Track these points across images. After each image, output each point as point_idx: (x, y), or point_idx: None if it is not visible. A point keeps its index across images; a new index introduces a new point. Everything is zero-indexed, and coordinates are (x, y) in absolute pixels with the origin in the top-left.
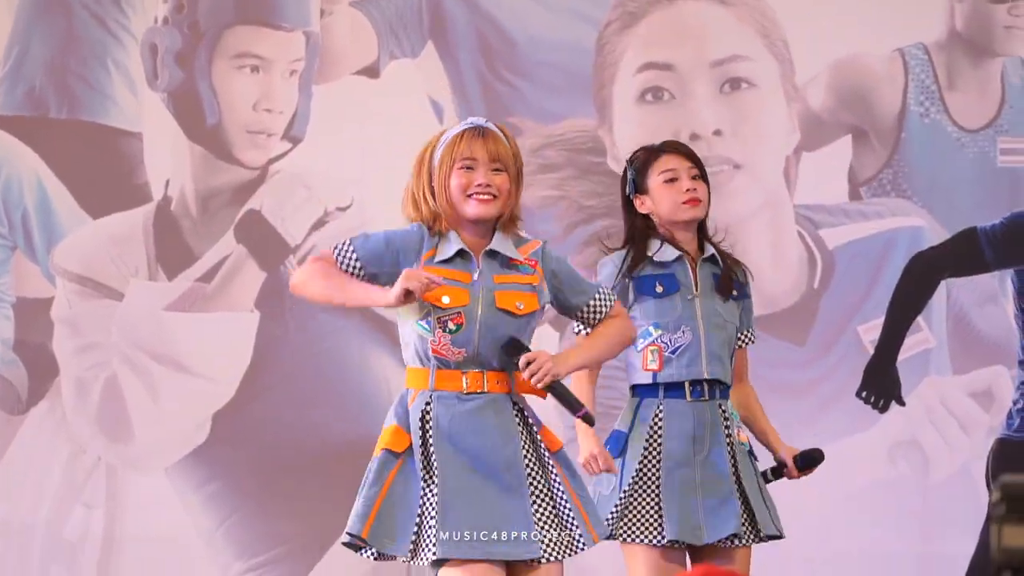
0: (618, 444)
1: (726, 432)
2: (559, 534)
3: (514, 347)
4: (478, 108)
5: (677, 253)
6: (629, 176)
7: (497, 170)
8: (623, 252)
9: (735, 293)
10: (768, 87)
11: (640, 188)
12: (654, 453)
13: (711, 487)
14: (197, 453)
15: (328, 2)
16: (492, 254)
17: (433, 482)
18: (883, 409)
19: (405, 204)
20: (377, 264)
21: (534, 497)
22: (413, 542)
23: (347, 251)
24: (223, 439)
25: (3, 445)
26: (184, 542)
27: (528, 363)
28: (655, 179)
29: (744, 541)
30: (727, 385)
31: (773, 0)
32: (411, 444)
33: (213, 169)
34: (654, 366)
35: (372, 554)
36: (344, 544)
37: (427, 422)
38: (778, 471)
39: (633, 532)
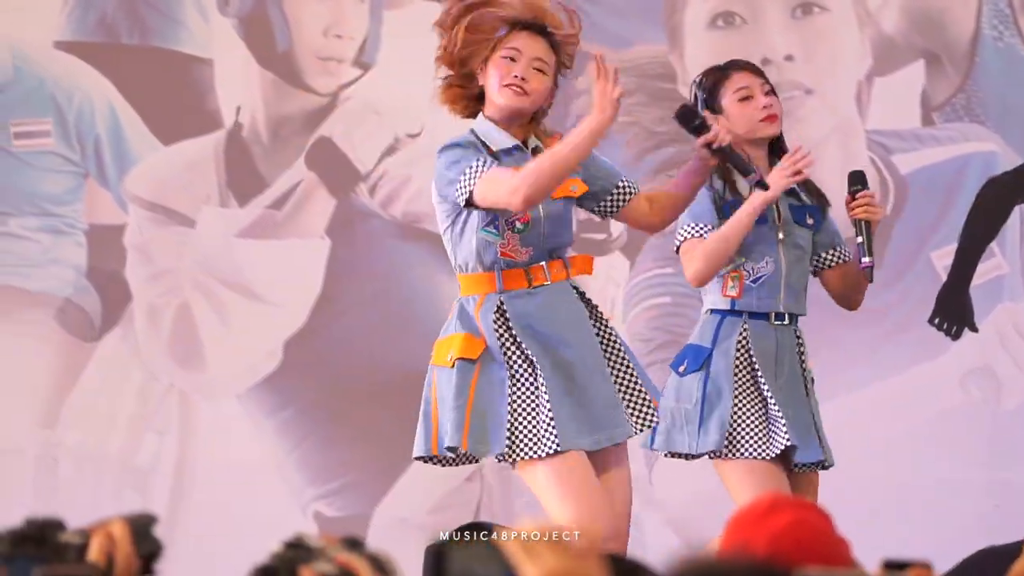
0: (698, 359)
1: (801, 360)
2: (635, 408)
3: (689, 113)
4: None
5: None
6: (700, 97)
7: (538, 69)
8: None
9: (811, 222)
10: (840, 11)
11: (713, 108)
12: (745, 369)
13: (794, 411)
14: (268, 380)
15: None
16: (537, 150)
17: (526, 380)
18: (956, 336)
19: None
20: None
21: (612, 373)
22: (509, 442)
23: (478, 167)
24: (294, 366)
25: (76, 372)
26: (256, 469)
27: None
28: (729, 98)
29: (826, 465)
30: (801, 314)
31: None
32: (485, 349)
33: (284, 95)
34: (734, 292)
35: (449, 460)
36: (419, 458)
37: (505, 322)
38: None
39: (742, 447)
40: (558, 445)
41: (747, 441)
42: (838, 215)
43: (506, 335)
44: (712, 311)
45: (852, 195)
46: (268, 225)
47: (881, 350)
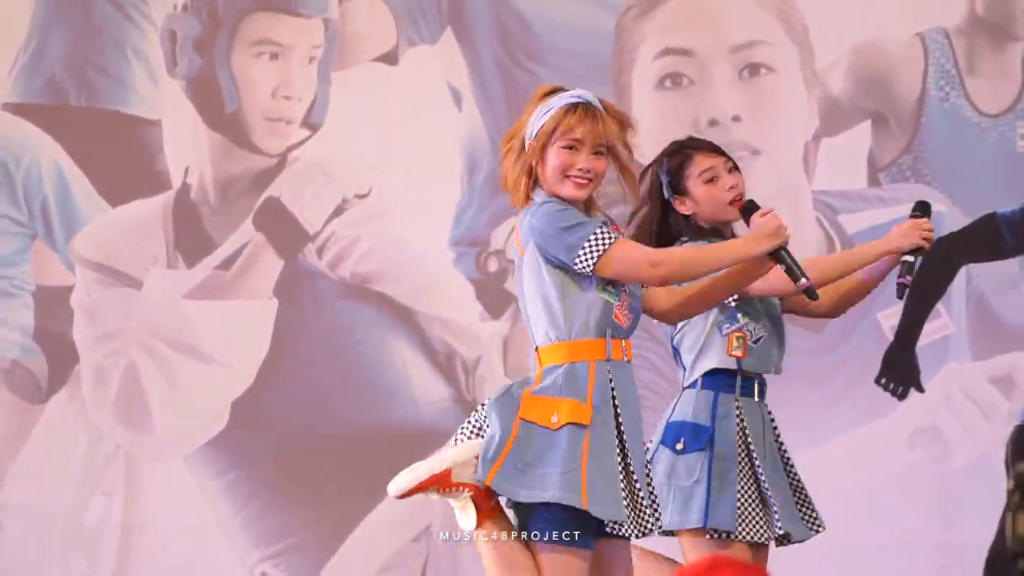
0: (700, 437)
1: (775, 433)
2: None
3: (751, 207)
4: (496, 94)
5: None
6: (664, 180)
7: (598, 153)
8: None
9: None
10: (787, 72)
11: (678, 190)
12: (743, 448)
13: (780, 486)
14: (216, 441)
15: None
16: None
17: (626, 454)
18: (902, 396)
19: (509, 183)
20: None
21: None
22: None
23: (605, 235)
24: (242, 427)
25: (24, 433)
26: (202, 530)
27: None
28: (694, 180)
29: (806, 536)
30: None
31: None
32: (593, 416)
33: (232, 157)
34: (739, 352)
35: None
36: (478, 482)
37: (612, 392)
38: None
39: (746, 530)
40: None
41: (748, 524)
42: None
43: (616, 403)
44: (706, 376)
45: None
46: (216, 286)
47: (829, 410)
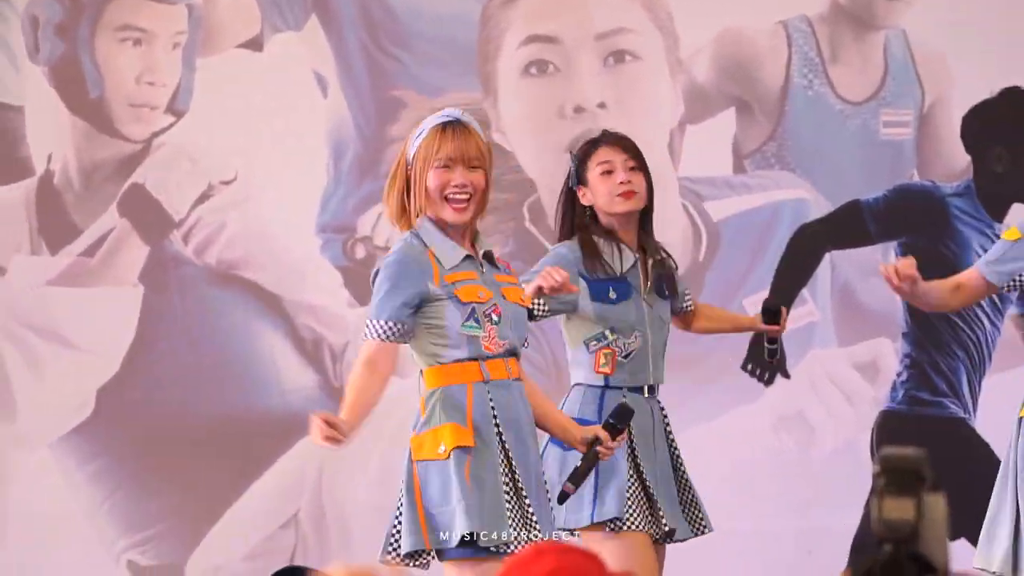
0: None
1: (667, 430)
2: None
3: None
4: (362, 81)
5: (633, 259)
6: (571, 168)
7: (474, 167)
8: (575, 244)
9: (668, 292)
10: (652, 60)
11: (581, 179)
12: (627, 445)
13: (666, 485)
14: (81, 429)
15: None
16: (488, 255)
17: (513, 471)
18: (768, 382)
19: (392, 213)
20: (410, 307)
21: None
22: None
23: (379, 326)
24: (107, 415)
25: None
26: (68, 519)
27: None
28: (593, 171)
29: (688, 535)
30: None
31: None
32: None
33: (96, 143)
34: (606, 369)
35: (440, 554)
36: (409, 555)
37: (494, 412)
38: (773, 315)
39: (635, 521)
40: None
41: (639, 515)
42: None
43: (496, 424)
44: (588, 385)
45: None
46: (80, 273)
47: (695, 396)
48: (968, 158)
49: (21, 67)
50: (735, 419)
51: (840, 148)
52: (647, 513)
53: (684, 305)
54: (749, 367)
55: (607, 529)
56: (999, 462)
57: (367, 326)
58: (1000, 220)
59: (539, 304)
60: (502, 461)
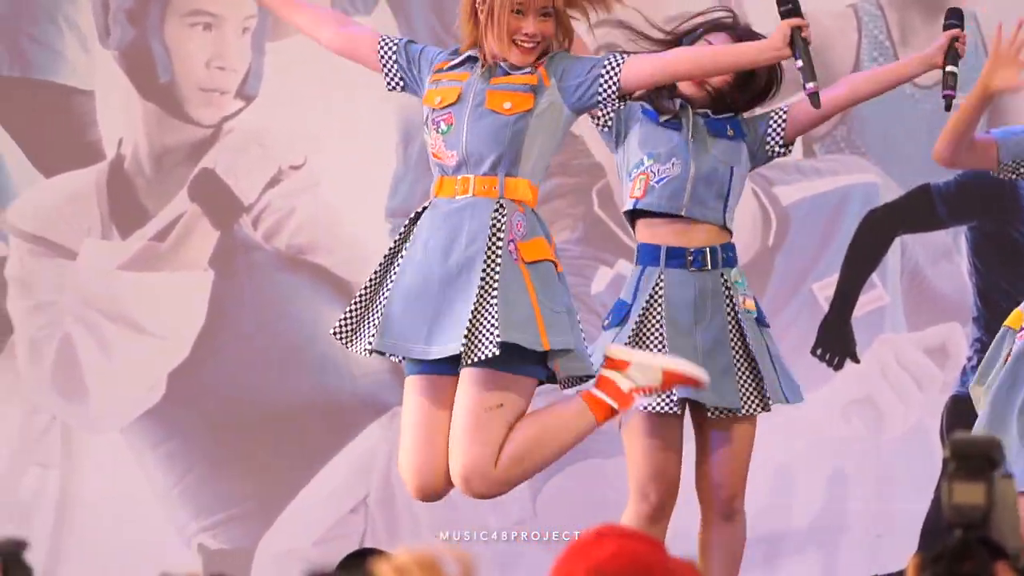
0: (619, 314)
1: (729, 301)
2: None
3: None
4: None
5: (679, 102)
6: None
7: (545, 15)
8: None
9: (732, 133)
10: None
11: None
12: (655, 321)
13: (712, 357)
14: (152, 413)
15: None
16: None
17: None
18: (838, 367)
19: (463, 20)
20: (406, 55)
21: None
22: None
23: (389, 42)
24: (178, 399)
25: None
26: (140, 502)
27: None
28: None
29: (745, 411)
30: (730, 255)
31: None
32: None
33: (166, 127)
34: (638, 193)
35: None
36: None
37: (412, 226)
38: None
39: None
40: None
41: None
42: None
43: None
44: (636, 260)
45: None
46: (151, 257)
47: None
48: None
49: (91, 51)
50: (805, 404)
51: (910, 132)
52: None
53: (768, 148)
54: (819, 352)
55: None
56: None
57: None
58: None
59: (604, 114)
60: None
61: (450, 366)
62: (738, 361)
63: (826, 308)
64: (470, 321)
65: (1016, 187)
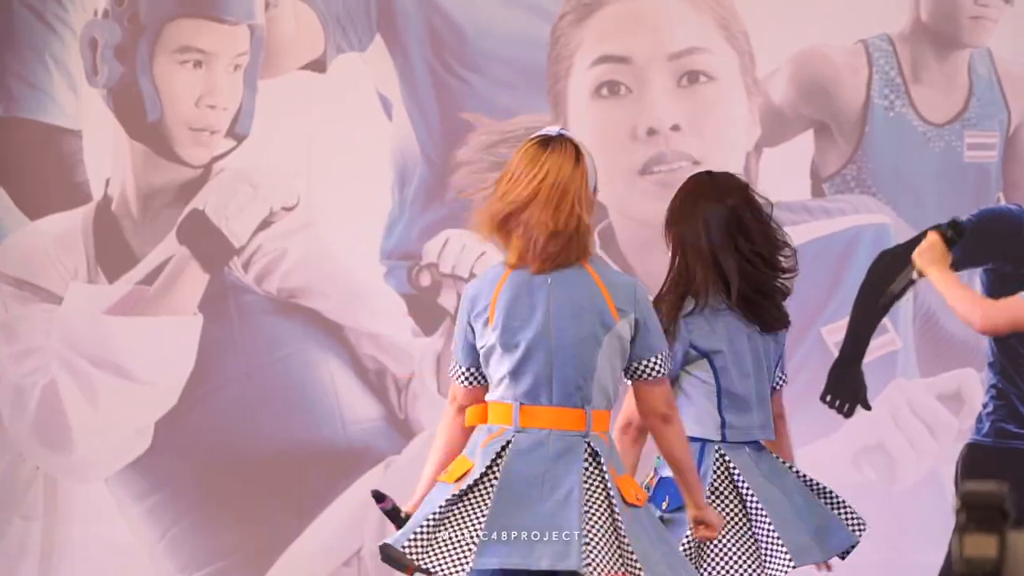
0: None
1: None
2: None
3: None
4: (428, 103)
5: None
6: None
7: None
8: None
9: None
10: (727, 80)
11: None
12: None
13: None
14: (138, 462)
15: None
16: None
17: None
18: (848, 413)
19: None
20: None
21: None
22: None
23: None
24: (165, 448)
25: None
26: (125, 555)
27: None
28: None
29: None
30: None
31: None
32: None
33: (155, 167)
34: None
35: None
36: None
37: None
38: None
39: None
40: None
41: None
42: None
43: None
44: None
45: None
46: (138, 301)
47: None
48: None
49: (79, 90)
50: (815, 451)
51: (922, 171)
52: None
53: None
54: (828, 398)
55: None
56: None
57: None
58: None
59: None
60: None
61: None
62: None
63: (836, 353)
64: None
65: None
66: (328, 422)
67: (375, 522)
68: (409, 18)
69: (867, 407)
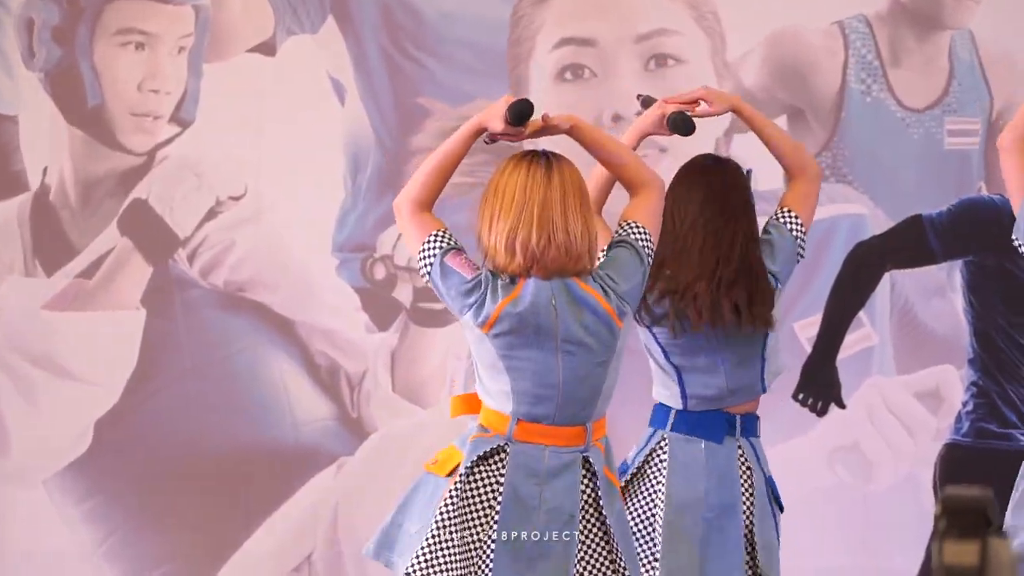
0: None
1: None
2: None
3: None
4: (383, 88)
5: None
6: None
7: None
8: None
9: None
10: (697, 63)
11: None
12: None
13: None
14: (78, 464)
15: None
16: None
17: None
18: (822, 412)
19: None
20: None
21: None
22: None
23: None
24: (106, 449)
25: None
26: (64, 560)
27: None
28: None
29: None
30: None
31: None
32: None
33: (95, 155)
34: None
35: None
36: None
37: None
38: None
39: None
40: None
41: None
42: None
43: None
44: None
45: None
46: (78, 295)
47: None
48: None
49: (15, 74)
50: (787, 451)
51: (901, 159)
52: None
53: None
54: (801, 396)
55: None
56: None
57: None
58: None
59: None
60: None
61: None
62: None
63: (809, 349)
64: None
65: (1014, 219)
66: (278, 421)
67: (327, 525)
68: None
69: (841, 405)
